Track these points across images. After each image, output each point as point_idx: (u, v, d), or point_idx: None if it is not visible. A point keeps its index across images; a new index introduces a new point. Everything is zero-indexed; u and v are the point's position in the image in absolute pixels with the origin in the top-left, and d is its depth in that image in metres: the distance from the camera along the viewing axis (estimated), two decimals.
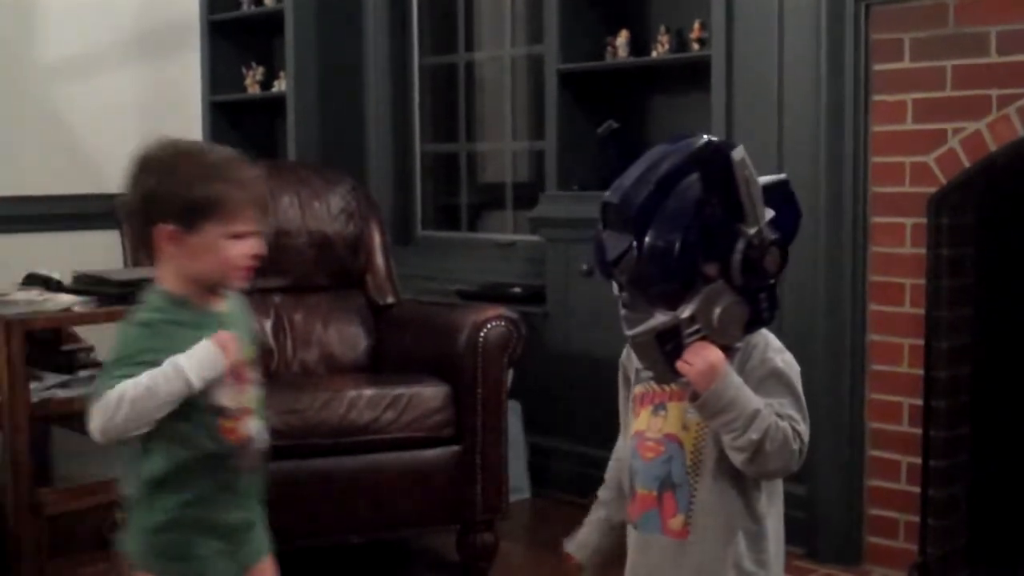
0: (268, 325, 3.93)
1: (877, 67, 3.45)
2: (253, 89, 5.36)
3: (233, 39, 5.41)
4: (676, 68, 4.17)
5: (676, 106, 4.25)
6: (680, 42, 4.11)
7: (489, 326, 3.55)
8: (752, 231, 1.82)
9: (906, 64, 3.39)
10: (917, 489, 3.43)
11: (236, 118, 5.42)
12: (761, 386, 1.85)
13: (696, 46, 4.01)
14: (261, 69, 5.36)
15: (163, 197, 1.99)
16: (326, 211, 4.07)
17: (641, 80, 4.33)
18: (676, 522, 1.90)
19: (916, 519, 3.44)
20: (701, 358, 1.81)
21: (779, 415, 1.83)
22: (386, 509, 3.43)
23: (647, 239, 1.80)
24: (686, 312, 1.82)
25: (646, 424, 1.95)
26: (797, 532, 3.70)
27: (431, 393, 3.50)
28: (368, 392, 3.46)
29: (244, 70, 5.40)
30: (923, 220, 3.38)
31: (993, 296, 3.52)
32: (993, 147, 3.23)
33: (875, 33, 3.44)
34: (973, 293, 3.47)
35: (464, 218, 5.19)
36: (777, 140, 3.70)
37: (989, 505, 3.54)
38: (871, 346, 3.52)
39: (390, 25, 5.15)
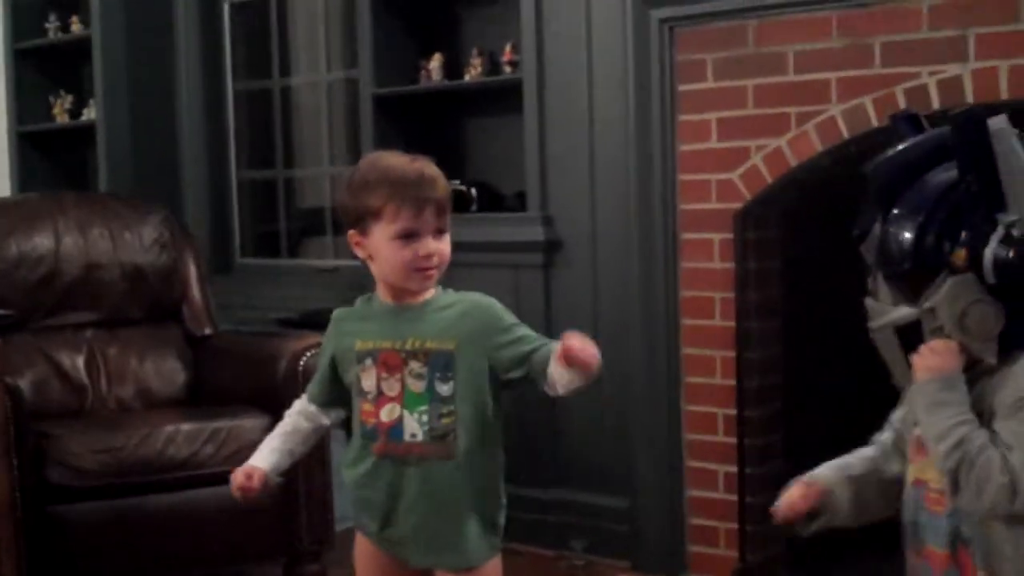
0: (81, 361, 3.82)
1: (682, 87, 3.53)
2: (62, 118, 5.23)
3: (39, 67, 5.28)
4: (490, 91, 4.20)
5: (491, 128, 4.28)
6: (493, 65, 4.14)
7: (308, 354, 3.49)
8: (1011, 219, 1.63)
9: (710, 84, 3.48)
10: (735, 497, 3.52)
11: (45, 149, 5.28)
12: (1009, 416, 1.63)
13: (508, 69, 4.06)
14: (70, 97, 5.23)
15: (343, 207, 2.22)
16: (138, 242, 3.98)
17: (456, 103, 4.35)
18: None
19: (735, 526, 3.53)
20: (934, 357, 1.65)
21: (1000, 443, 1.61)
22: (209, 545, 3.37)
23: (891, 214, 1.69)
24: (927, 304, 1.66)
25: (930, 473, 1.74)
26: (620, 544, 3.76)
27: (251, 425, 3.43)
28: (186, 427, 3.39)
29: (52, 99, 5.25)
30: (730, 235, 3.47)
31: (799, 306, 3.63)
32: (794, 163, 3.34)
33: (679, 54, 3.53)
34: (780, 304, 3.58)
35: (284, 245, 5.14)
36: (589, 160, 3.77)
37: None
38: (685, 359, 3.59)
39: (202, 50, 5.06)
